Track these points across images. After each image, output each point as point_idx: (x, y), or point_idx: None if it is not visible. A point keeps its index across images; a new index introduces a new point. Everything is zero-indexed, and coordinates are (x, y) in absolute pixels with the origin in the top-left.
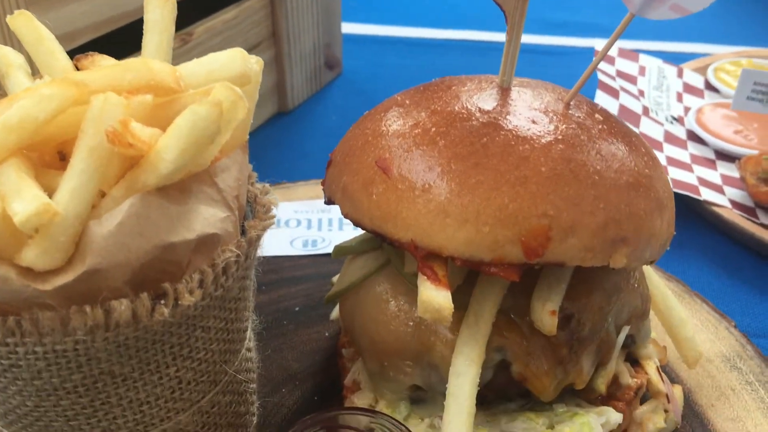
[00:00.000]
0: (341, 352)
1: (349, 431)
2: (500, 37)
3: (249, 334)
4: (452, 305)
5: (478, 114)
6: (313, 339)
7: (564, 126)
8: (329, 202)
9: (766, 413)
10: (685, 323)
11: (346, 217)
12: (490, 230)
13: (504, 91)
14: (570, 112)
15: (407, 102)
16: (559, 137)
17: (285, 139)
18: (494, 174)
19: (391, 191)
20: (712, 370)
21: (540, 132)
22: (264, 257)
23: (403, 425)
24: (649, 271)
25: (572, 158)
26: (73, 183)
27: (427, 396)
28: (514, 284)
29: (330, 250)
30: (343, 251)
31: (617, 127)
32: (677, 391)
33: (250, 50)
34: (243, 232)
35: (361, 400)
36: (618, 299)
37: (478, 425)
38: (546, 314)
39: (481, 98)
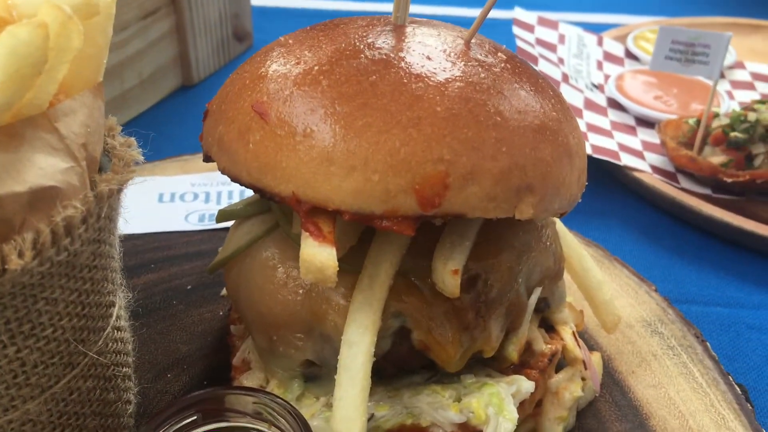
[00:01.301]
0: (230, 330)
1: (232, 414)
2: (420, 9)
3: (118, 311)
4: (336, 263)
5: (366, 51)
6: (206, 319)
7: (463, 63)
8: (207, 158)
9: (689, 378)
10: (602, 285)
11: (223, 172)
12: (380, 178)
13: (398, 29)
14: (470, 50)
15: (290, 42)
16: (457, 75)
17: (189, 114)
18: (384, 115)
19: (270, 139)
20: (633, 335)
21: (436, 69)
22: (154, 233)
23: (289, 404)
24: (563, 230)
25: (471, 97)
26: None
27: (322, 372)
28: (413, 244)
29: (229, 225)
30: (227, 215)
31: (523, 67)
32: (596, 359)
33: (147, 17)
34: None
35: (250, 380)
36: (529, 259)
37: (379, 402)
38: (448, 274)
39: (371, 35)
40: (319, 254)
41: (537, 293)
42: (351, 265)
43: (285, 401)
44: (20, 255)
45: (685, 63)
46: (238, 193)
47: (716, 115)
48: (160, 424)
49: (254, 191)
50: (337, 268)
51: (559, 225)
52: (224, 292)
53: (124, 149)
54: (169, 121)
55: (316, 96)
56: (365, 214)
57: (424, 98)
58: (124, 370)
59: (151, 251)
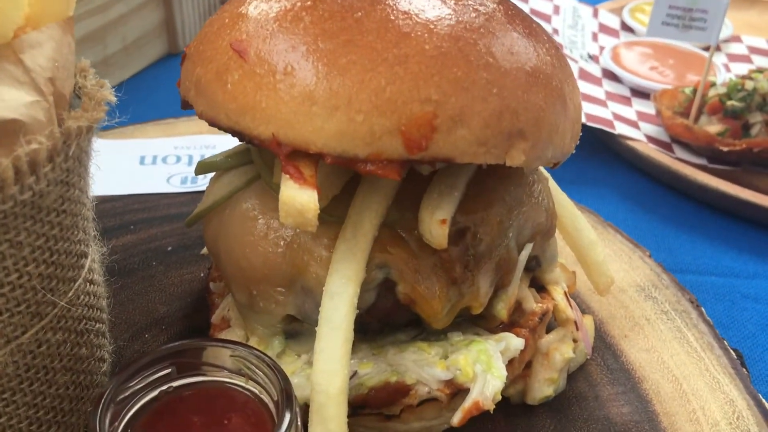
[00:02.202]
0: (209, 288)
1: (208, 368)
2: None
3: (90, 264)
4: (317, 206)
5: None
6: (186, 281)
7: (453, 2)
8: (185, 104)
9: (683, 342)
10: (595, 246)
11: (201, 117)
12: (364, 119)
13: None
14: None
15: None
16: (447, 13)
17: (174, 82)
18: (369, 53)
19: (248, 78)
20: (626, 300)
21: (424, 7)
22: (135, 195)
23: (267, 357)
24: (556, 189)
25: (461, 36)
26: None
27: (303, 329)
28: (399, 196)
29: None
30: (207, 167)
31: (516, 11)
32: (588, 322)
33: None
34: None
35: (230, 338)
36: (520, 213)
37: (362, 359)
38: (435, 224)
39: None
40: (299, 196)
41: (528, 249)
42: (334, 215)
43: (263, 353)
44: None
45: (682, 29)
46: None
47: (713, 85)
48: (132, 375)
49: (233, 135)
50: (318, 211)
51: (552, 184)
52: (204, 250)
53: (96, 89)
54: (154, 88)
55: (298, 33)
56: (348, 158)
57: (412, 36)
58: (98, 325)
59: (131, 213)
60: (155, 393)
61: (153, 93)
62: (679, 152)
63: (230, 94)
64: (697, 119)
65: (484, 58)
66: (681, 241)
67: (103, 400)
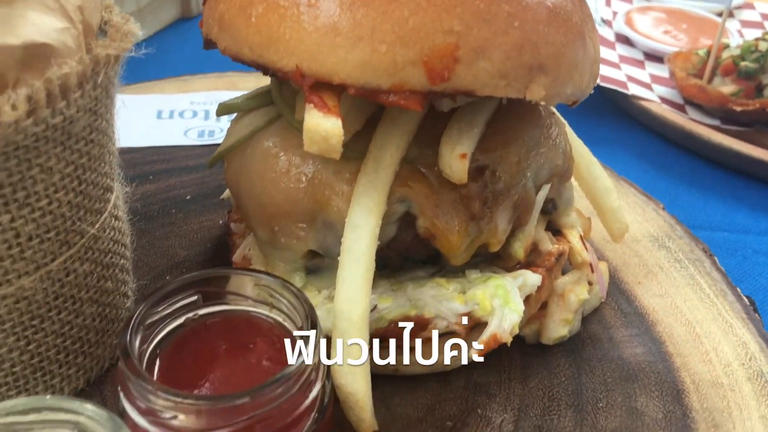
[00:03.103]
0: (230, 228)
1: (233, 297)
2: None
3: (115, 200)
4: (342, 132)
5: None
6: (205, 227)
7: None
8: (207, 44)
9: (696, 289)
10: (610, 192)
11: (224, 52)
12: (387, 50)
13: None
14: None
15: None
16: None
17: (187, 45)
18: None
19: (272, 11)
20: (639, 249)
21: None
22: (153, 147)
23: (292, 285)
24: (572, 135)
25: None
26: None
27: (324, 264)
28: (419, 133)
29: None
30: (227, 108)
31: None
32: (602, 267)
33: None
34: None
35: None
36: (537, 154)
37: (382, 294)
38: (455, 158)
39: None
40: (323, 123)
41: (545, 190)
42: (355, 151)
43: (288, 282)
44: (13, 107)
45: None
46: None
47: (726, 47)
48: (159, 301)
49: (256, 68)
50: (343, 137)
51: (569, 130)
52: (225, 195)
53: (122, 22)
54: (167, 51)
55: None
56: (371, 89)
57: None
58: (122, 261)
59: (150, 164)
60: (181, 320)
61: (167, 54)
62: (693, 113)
63: (254, 28)
64: (710, 80)
65: None
66: (694, 199)
67: (132, 322)
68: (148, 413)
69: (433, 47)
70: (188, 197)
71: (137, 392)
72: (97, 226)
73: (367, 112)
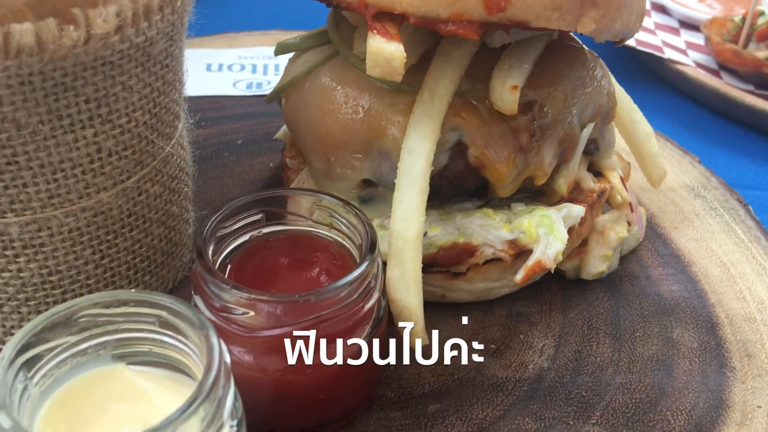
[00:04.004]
0: (285, 164)
1: (293, 217)
2: None
3: (181, 131)
4: (404, 55)
5: None
6: (256, 169)
7: None
8: None
9: (731, 234)
10: (650, 137)
11: None
12: None
13: None
14: None
15: None
16: None
17: (229, 5)
18: None
19: None
20: (675, 197)
21: None
22: (204, 96)
23: (352, 205)
24: (614, 82)
25: None
26: None
27: (377, 194)
28: (473, 66)
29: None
30: (285, 48)
31: None
32: (641, 211)
33: None
34: None
35: None
36: (583, 93)
37: (432, 223)
38: (507, 90)
39: None
40: (387, 47)
41: (589, 129)
42: (410, 85)
43: (348, 202)
44: (105, 21)
45: None
46: (283, 66)
47: (761, 13)
48: (227, 216)
49: (322, 1)
50: (405, 60)
51: (612, 78)
52: (278, 134)
53: None
54: (218, 11)
55: None
56: (431, 18)
57: None
58: (185, 189)
59: (201, 111)
60: (247, 237)
61: (217, 16)
62: (727, 78)
63: None
64: (745, 46)
65: None
66: (726, 159)
67: (205, 231)
68: (222, 310)
69: None
70: (239, 142)
71: (212, 291)
72: (166, 150)
73: (422, 47)
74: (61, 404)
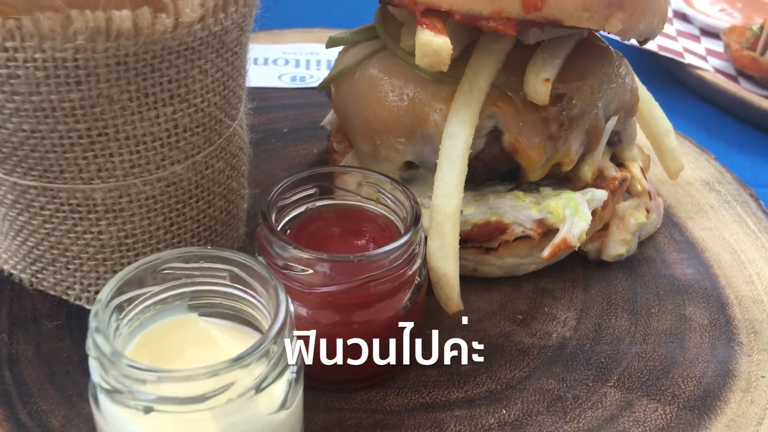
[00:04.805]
0: (333, 147)
1: (342, 192)
2: None
3: (242, 114)
4: (451, 46)
5: None
6: (302, 155)
7: None
8: None
9: (742, 225)
10: (669, 133)
11: None
12: None
13: None
14: None
15: None
16: None
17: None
18: None
19: None
20: (692, 190)
21: None
22: (252, 87)
23: (398, 182)
24: (637, 80)
25: None
26: None
27: (419, 175)
28: (509, 60)
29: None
30: (336, 41)
31: None
32: (659, 201)
33: None
34: None
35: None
36: (608, 89)
37: (467, 203)
38: (540, 82)
39: None
40: (435, 40)
41: (613, 122)
42: (451, 77)
43: (395, 179)
44: (191, 11)
45: None
46: (325, 62)
47: None
48: (287, 189)
49: None
50: (451, 51)
51: (635, 76)
52: (324, 122)
53: None
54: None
55: None
56: (474, 15)
57: None
58: (243, 167)
59: (250, 101)
60: (302, 209)
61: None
62: (744, 84)
63: None
64: (763, 53)
65: None
66: (742, 159)
67: (270, 199)
68: (285, 268)
69: None
70: (285, 130)
71: (275, 251)
72: (230, 130)
73: (464, 42)
74: (145, 344)
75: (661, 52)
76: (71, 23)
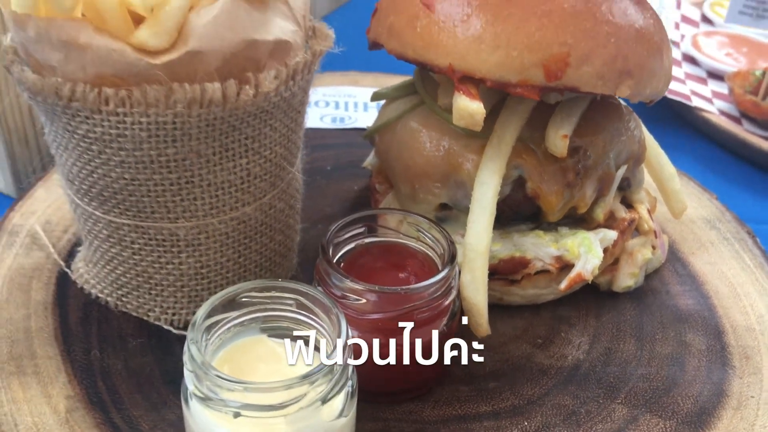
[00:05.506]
0: (375, 188)
1: (384, 230)
2: None
3: (299, 161)
4: (484, 111)
5: None
6: (344, 190)
7: None
8: (373, 46)
9: (739, 260)
10: (674, 177)
11: (391, 52)
12: (518, 55)
13: None
14: None
15: None
16: None
17: None
18: (524, 8)
19: (433, 24)
20: (694, 228)
21: None
22: None
23: (436, 222)
24: (645, 131)
25: (590, 0)
26: None
27: (452, 215)
28: (532, 118)
29: (356, 126)
30: (380, 96)
31: None
32: (664, 238)
33: None
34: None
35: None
36: (619, 141)
37: (494, 240)
38: (559, 138)
39: None
40: (470, 105)
41: (623, 170)
42: (482, 132)
43: (433, 220)
44: (269, 82)
45: (756, 18)
46: (362, 104)
47: None
48: (341, 228)
49: (417, 65)
50: (484, 115)
51: (642, 127)
52: (365, 163)
53: (323, 27)
54: None
55: None
56: (503, 82)
57: None
58: (298, 206)
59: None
60: (353, 245)
61: None
62: (747, 126)
63: (418, 35)
64: (765, 97)
65: (606, 16)
66: (744, 198)
67: (328, 237)
68: (341, 298)
69: (552, 54)
70: (328, 168)
71: (333, 282)
72: (289, 176)
73: (492, 101)
74: (226, 360)
75: (670, 96)
76: (173, 94)
